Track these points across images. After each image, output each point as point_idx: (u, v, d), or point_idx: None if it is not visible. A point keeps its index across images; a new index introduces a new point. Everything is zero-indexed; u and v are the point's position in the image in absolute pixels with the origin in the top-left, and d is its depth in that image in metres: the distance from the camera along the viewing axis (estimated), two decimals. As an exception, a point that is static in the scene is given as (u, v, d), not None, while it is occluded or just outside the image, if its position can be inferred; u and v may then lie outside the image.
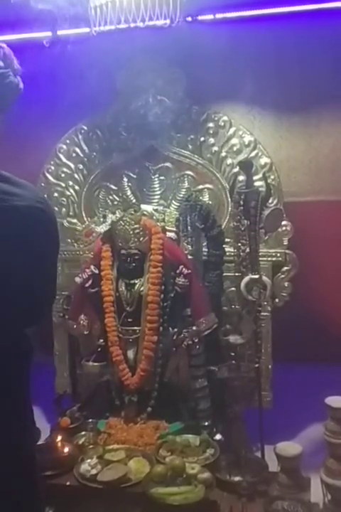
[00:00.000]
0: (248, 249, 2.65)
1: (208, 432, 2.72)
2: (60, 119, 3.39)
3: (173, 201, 3.17)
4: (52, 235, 1.53)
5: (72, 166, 3.28)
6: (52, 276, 1.57)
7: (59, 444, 2.62)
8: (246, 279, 2.64)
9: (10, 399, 1.51)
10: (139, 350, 2.85)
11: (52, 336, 3.32)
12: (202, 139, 3.12)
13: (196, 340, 2.78)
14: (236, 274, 2.71)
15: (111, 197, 3.27)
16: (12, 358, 1.52)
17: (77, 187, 3.28)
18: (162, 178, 3.20)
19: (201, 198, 3.06)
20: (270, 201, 2.74)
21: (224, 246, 2.95)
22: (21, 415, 1.56)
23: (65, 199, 3.29)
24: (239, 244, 2.67)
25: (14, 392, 1.53)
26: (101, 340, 2.92)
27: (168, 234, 2.95)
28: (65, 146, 3.29)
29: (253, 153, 3.04)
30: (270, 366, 3.01)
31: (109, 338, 2.87)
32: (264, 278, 2.71)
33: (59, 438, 2.65)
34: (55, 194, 3.29)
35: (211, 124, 3.11)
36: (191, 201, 2.95)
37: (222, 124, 3.09)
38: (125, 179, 3.26)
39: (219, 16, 3.25)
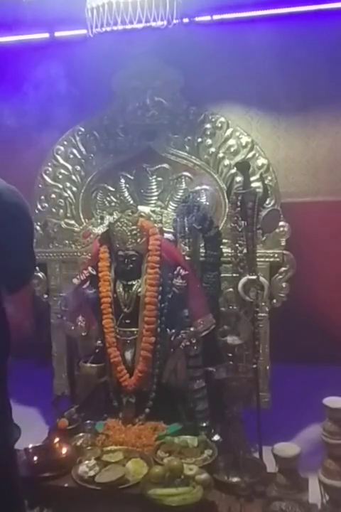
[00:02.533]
0: (245, 250, 2.65)
1: (206, 433, 2.72)
2: (57, 121, 3.39)
3: (171, 202, 3.18)
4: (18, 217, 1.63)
5: (70, 167, 3.29)
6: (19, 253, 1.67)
7: (57, 446, 2.61)
8: (243, 279, 2.64)
9: None
10: (137, 351, 2.84)
11: (50, 338, 3.33)
12: (200, 140, 3.12)
13: (194, 341, 2.77)
14: (234, 274, 2.71)
15: (108, 198, 3.27)
16: None
17: (74, 188, 3.29)
18: (159, 179, 3.21)
19: (198, 199, 3.06)
20: (267, 202, 2.74)
21: (221, 247, 2.95)
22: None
23: (62, 200, 3.29)
24: (237, 245, 2.67)
25: None
26: (99, 342, 2.92)
27: (166, 235, 2.95)
28: (62, 148, 3.29)
29: (250, 154, 3.04)
30: (268, 367, 3.02)
31: (106, 340, 2.87)
32: (262, 279, 2.71)
33: (57, 439, 2.64)
34: (53, 195, 3.29)
35: (208, 125, 3.11)
36: (188, 202, 2.95)
37: (219, 125, 3.10)
38: (122, 180, 3.26)
39: (216, 17, 3.26)
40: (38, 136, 3.47)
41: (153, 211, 3.03)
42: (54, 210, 3.29)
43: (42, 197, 3.30)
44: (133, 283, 2.86)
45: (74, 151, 3.28)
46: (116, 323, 2.89)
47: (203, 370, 2.80)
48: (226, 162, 3.08)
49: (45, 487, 2.40)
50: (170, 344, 2.83)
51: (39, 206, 3.29)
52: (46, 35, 3.54)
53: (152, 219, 2.96)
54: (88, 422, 2.87)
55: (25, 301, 3.53)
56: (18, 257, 1.67)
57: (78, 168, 3.28)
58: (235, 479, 2.42)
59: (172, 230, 3.00)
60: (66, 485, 2.43)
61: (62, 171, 3.29)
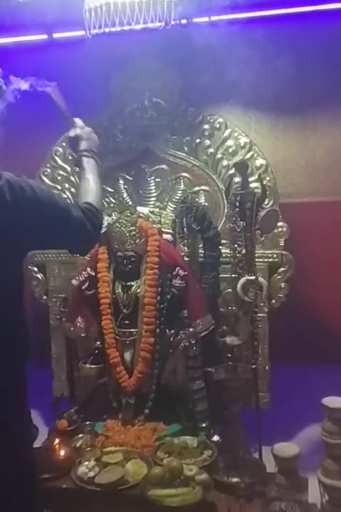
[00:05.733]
0: (244, 251, 2.65)
1: (206, 433, 2.72)
2: (55, 122, 3.39)
3: (169, 203, 3.18)
4: (38, 210, 1.65)
5: (68, 168, 3.29)
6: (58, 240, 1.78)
7: (56, 447, 2.61)
8: (242, 280, 2.64)
9: (9, 398, 1.53)
10: (136, 352, 2.85)
11: (50, 339, 3.33)
12: (198, 140, 3.12)
13: (193, 342, 2.78)
14: (233, 275, 2.71)
15: (107, 199, 3.27)
16: (11, 357, 1.54)
17: (73, 189, 3.29)
18: (158, 180, 3.21)
19: (197, 199, 3.07)
20: (266, 202, 2.74)
21: (220, 247, 2.96)
22: (20, 413, 1.58)
23: (61, 202, 3.29)
24: (235, 245, 2.67)
25: (13, 392, 1.54)
26: (98, 343, 2.92)
27: (164, 236, 2.96)
28: (61, 149, 3.29)
29: (248, 155, 3.04)
30: (267, 367, 3.02)
31: (105, 341, 2.87)
32: (261, 279, 2.71)
33: (56, 441, 2.64)
34: (52, 197, 3.29)
35: (206, 126, 3.11)
36: (187, 203, 2.96)
37: (218, 125, 3.10)
38: (121, 181, 3.26)
39: (214, 18, 3.26)
40: (36, 137, 3.47)
41: (152, 212, 3.03)
42: (53, 211, 3.29)
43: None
44: (132, 284, 2.87)
45: (73, 153, 3.28)
46: (115, 324, 2.89)
47: (202, 370, 2.81)
48: (225, 163, 3.09)
49: (44, 488, 2.39)
50: (170, 345, 2.83)
51: (38, 207, 3.29)
52: (44, 36, 3.54)
53: (151, 220, 2.96)
54: (87, 423, 2.87)
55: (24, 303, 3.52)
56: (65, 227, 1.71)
57: (77, 169, 3.28)
58: (235, 479, 2.42)
59: (171, 231, 3.00)
60: (65, 486, 2.43)
61: (61, 172, 3.30)
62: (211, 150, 3.11)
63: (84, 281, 2.92)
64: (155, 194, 3.21)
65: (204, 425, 2.77)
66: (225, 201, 2.99)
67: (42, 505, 2.15)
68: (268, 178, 3.00)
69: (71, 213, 1.73)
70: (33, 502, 1.65)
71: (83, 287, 2.92)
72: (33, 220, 1.60)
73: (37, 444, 2.65)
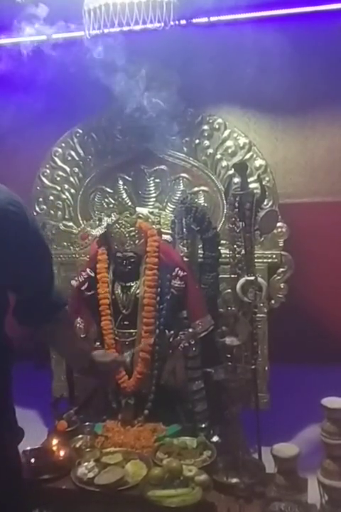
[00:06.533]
0: (243, 251, 2.65)
1: (205, 434, 2.71)
2: (55, 123, 3.40)
3: (169, 204, 3.18)
4: (25, 235, 1.57)
5: (68, 169, 3.29)
6: (29, 275, 1.63)
7: (55, 448, 2.60)
8: (241, 280, 2.64)
9: None
10: (135, 352, 2.85)
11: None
12: (197, 141, 3.13)
13: (192, 343, 2.78)
14: (232, 275, 2.70)
15: (106, 200, 3.27)
16: None
17: (72, 190, 3.29)
18: (157, 180, 3.21)
19: (196, 200, 3.07)
20: (265, 203, 2.73)
21: (219, 248, 2.96)
22: (5, 415, 1.57)
23: (60, 202, 3.30)
24: (235, 246, 2.67)
25: None
26: (98, 343, 2.92)
27: (164, 236, 2.96)
28: (60, 150, 3.29)
29: (248, 155, 3.05)
30: (266, 368, 3.02)
31: (105, 341, 2.87)
32: (260, 279, 2.71)
33: (55, 441, 2.64)
34: (51, 197, 3.30)
35: (206, 127, 3.12)
36: (186, 203, 2.96)
37: (217, 126, 3.10)
38: (120, 182, 3.26)
39: (213, 18, 3.27)
40: (35, 138, 3.47)
41: (151, 212, 3.03)
42: (52, 212, 3.29)
43: (41, 199, 3.30)
44: (132, 284, 2.87)
45: (72, 153, 3.28)
46: (114, 324, 2.89)
47: (202, 371, 2.80)
48: (224, 163, 3.09)
49: (43, 489, 2.40)
50: (169, 345, 2.83)
51: (37, 208, 3.30)
52: (44, 36, 3.53)
53: (150, 220, 2.96)
54: (87, 423, 2.86)
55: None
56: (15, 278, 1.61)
57: (76, 169, 3.28)
58: (234, 480, 2.41)
59: (170, 232, 3.00)
60: (65, 487, 2.42)
61: (60, 172, 3.30)
62: (210, 150, 3.11)
63: (83, 281, 2.92)
64: (154, 195, 3.22)
65: (203, 426, 2.77)
66: (224, 202, 3.00)
67: (43, 505, 2.15)
68: (267, 179, 3.00)
69: (50, 268, 1.73)
70: (20, 502, 1.65)
71: (82, 288, 2.91)
72: (9, 232, 1.52)
73: (36, 445, 2.66)
